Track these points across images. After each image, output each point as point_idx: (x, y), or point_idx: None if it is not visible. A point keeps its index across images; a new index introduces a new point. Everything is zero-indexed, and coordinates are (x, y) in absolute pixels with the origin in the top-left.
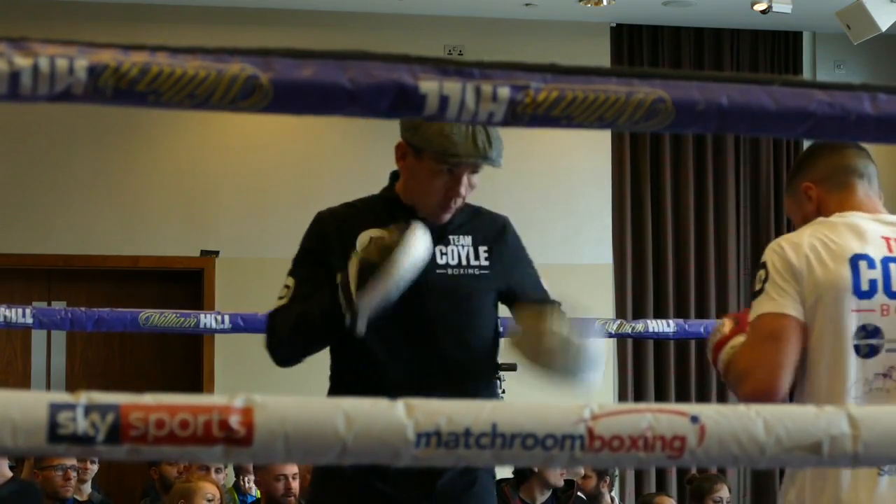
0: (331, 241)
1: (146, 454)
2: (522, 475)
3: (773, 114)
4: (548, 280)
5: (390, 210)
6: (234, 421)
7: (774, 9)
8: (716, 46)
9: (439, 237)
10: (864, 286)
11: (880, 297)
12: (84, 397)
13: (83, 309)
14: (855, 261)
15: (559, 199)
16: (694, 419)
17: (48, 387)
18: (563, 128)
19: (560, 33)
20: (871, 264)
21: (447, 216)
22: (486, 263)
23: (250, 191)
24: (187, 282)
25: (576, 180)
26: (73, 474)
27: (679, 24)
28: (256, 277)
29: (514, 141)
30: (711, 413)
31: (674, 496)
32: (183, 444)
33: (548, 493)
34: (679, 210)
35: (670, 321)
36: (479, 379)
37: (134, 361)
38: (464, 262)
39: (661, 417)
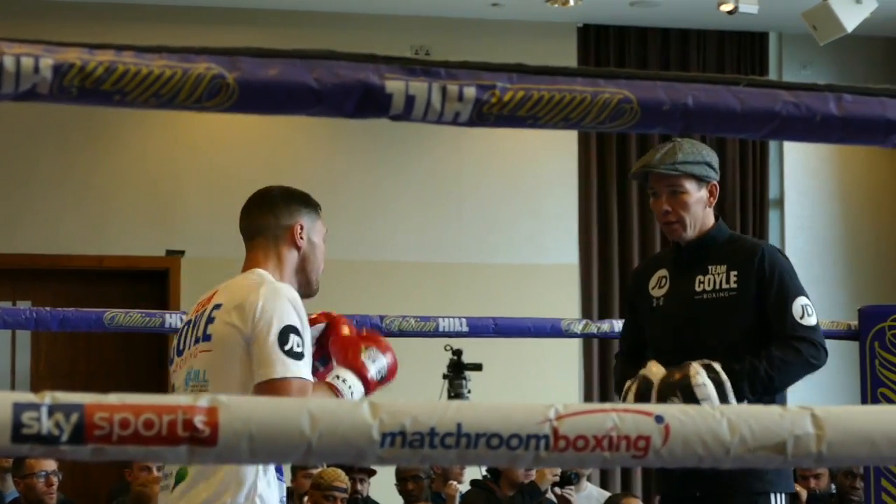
0: None
1: (111, 454)
2: (496, 471)
3: (738, 114)
4: (513, 280)
5: None
6: (199, 421)
7: (741, 9)
8: (682, 47)
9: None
10: None
11: None
12: (48, 397)
13: (48, 308)
14: None
15: (525, 199)
16: (658, 419)
17: (12, 386)
18: (528, 128)
19: (527, 33)
20: None
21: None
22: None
23: (216, 191)
24: (153, 282)
25: (542, 180)
26: (55, 480)
27: (646, 25)
28: (222, 277)
29: (480, 141)
30: (676, 413)
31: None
32: (147, 444)
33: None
34: (644, 210)
35: None
36: None
37: (99, 361)
38: (717, 287)
39: (626, 417)
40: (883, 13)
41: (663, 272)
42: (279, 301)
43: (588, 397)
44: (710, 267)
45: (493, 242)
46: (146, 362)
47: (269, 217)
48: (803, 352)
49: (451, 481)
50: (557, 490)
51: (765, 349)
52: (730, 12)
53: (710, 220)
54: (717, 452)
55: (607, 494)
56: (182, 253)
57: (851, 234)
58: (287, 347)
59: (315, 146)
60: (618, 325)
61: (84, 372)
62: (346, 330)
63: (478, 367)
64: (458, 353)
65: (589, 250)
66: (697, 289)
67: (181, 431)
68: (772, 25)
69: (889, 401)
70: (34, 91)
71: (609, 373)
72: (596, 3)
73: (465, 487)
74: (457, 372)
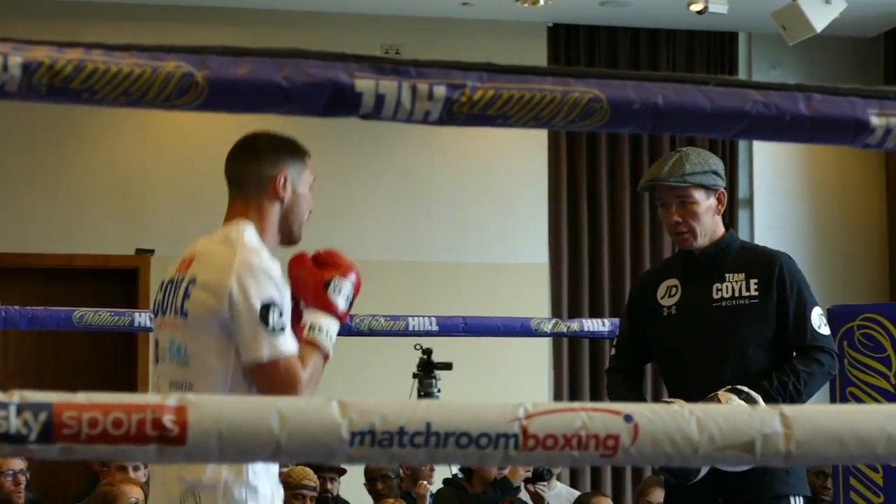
0: None
1: (79, 453)
2: (469, 470)
3: (708, 113)
4: (483, 279)
5: None
6: (168, 420)
7: (710, 9)
8: (652, 46)
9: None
10: None
11: None
12: (17, 396)
13: (17, 307)
14: None
15: (495, 198)
16: (628, 418)
17: None
18: (498, 127)
19: (497, 33)
20: None
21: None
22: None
23: (186, 190)
24: (122, 280)
25: (512, 179)
26: (23, 479)
27: (616, 25)
28: None
29: (450, 140)
30: (645, 412)
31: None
32: (116, 442)
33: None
34: (615, 209)
35: (605, 320)
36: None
37: (68, 360)
38: (736, 294)
39: (595, 416)
40: (852, 13)
41: (673, 281)
42: (254, 276)
43: (558, 396)
44: (727, 275)
45: (463, 241)
46: (116, 361)
47: (252, 165)
48: (825, 363)
49: (421, 481)
50: (531, 486)
51: (789, 363)
52: (699, 12)
53: (720, 227)
54: (686, 451)
55: (577, 493)
56: (152, 252)
57: (821, 234)
58: (270, 325)
59: None
60: (588, 324)
61: (53, 371)
62: (301, 269)
63: (448, 366)
64: (428, 352)
65: (559, 250)
66: (715, 296)
67: (150, 430)
68: (741, 25)
69: (858, 400)
70: (2, 89)
71: (579, 372)
72: (566, 2)
73: (436, 485)
74: (427, 371)
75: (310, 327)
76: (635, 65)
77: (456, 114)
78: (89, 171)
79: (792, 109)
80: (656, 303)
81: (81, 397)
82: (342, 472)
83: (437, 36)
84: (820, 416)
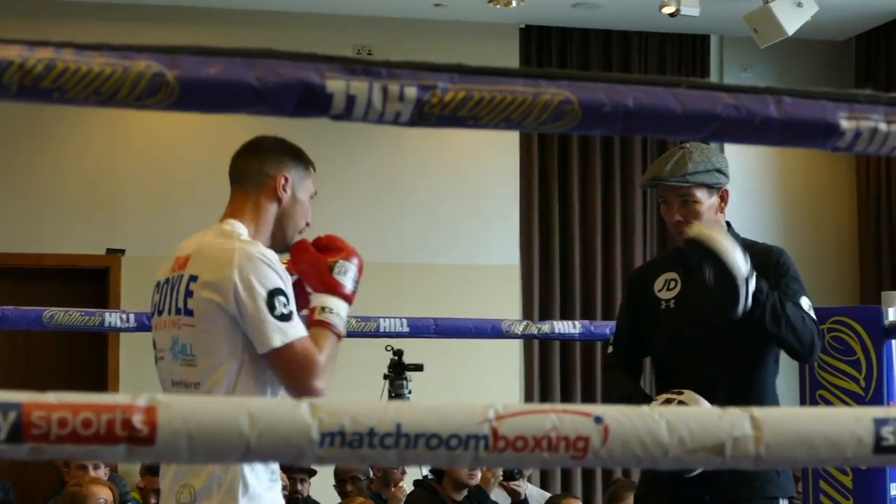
0: None
1: (48, 453)
2: (440, 472)
3: (679, 116)
4: (455, 281)
5: None
6: (138, 420)
7: (682, 12)
8: (624, 49)
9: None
10: None
11: None
12: None
13: None
14: None
15: (467, 199)
16: (598, 420)
17: None
18: (469, 128)
19: (470, 34)
20: None
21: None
22: None
23: (156, 189)
24: (92, 280)
25: (483, 181)
26: None
27: (588, 27)
28: None
29: (422, 141)
30: (615, 414)
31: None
32: (86, 443)
33: (464, 492)
34: (586, 211)
35: (576, 322)
36: (760, 384)
37: (38, 360)
38: None
39: (566, 418)
40: (823, 17)
41: (672, 275)
42: (255, 267)
43: (528, 398)
44: None
45: (435, 242)
46: (86, 361)
47: (254, 162)
48: (809, 326)
49: (401, 485)
50: (506, 483)
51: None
52: (671, 15)
53: (722, 224)
54: (656, 453)
55: (548, 495)
56: (122, 252)
57: (791, 237)
58: (277, 313)
59: None
60: (559, 326)
61: (23, 371)
62: (304, 253)
63: (419, 367)
64: (398, 353)
65: (530, 251)
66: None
67: (120, 431)
68: (713, 28)
69: (827, 403)
70: None
71: (550, 373)
72: (538, 4)
73: (406, 486)
74: (397, 372)
75: (320, 309)
76: (607, 67)
77: (427, 115)
78: (60, 171)
79: (762, 112)
80: (654, 296)
81: (51, 397)
82: (312, 473)
83: (409, 37)
84: (790, 419)
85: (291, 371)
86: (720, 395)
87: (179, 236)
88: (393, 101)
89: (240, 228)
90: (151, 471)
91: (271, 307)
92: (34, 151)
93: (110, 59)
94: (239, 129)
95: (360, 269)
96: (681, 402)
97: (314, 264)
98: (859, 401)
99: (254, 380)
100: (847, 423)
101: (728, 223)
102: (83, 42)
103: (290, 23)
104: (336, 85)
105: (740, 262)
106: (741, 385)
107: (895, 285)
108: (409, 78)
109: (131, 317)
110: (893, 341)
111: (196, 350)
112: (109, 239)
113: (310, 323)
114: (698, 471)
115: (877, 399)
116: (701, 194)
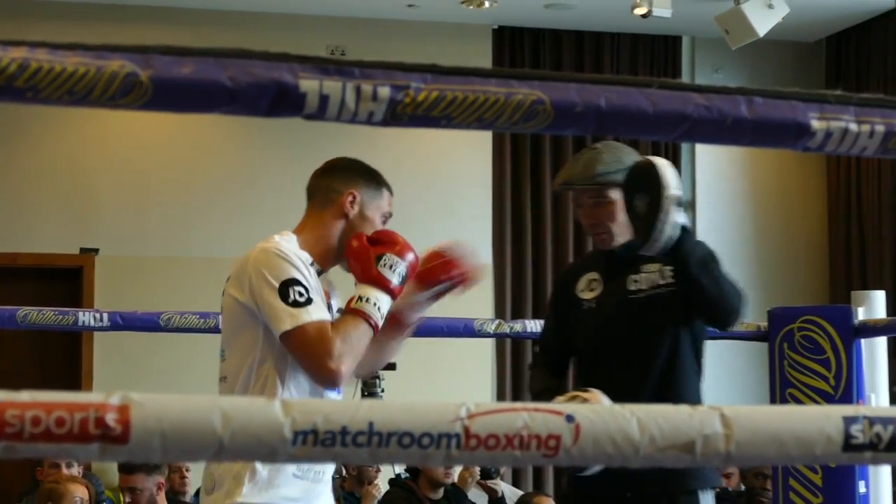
0: None
1: (22, 451)
2: (415, 471)
3: (650, 116)
4: None
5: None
6: (111, 418)
7: (654, 13)
8: (596, 50)
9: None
10: None
11: None
12: None
13: None
14: None
15: (440, 199)
16: (569, 418)
17: None
18: (442, 128)
19: (442, 35)
20: None
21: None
22: (671, 281)
23: (130, 189)
24: (66, 279)
25: (456, 181)
26: None
27: (560, 27)
28: (136, 276)
29: (395, 141)
30: (587, 412)
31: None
32: (59, 441)
33: (440, 490)
34: (558, 211)
35: None
36: (680, 383)
37: (11, 359)
38: (652, 285)
39: (537, 416)
40: (794, 18)
41: (594, 275)
42: (268, 259)
43: (500, 397)
44: (642, 266)
45: (408, 241)
46: (60, 360)
47: (325, 180)
48: (740, 295)
49: (374, 482)
50: (482, 482)
51: None
52: (643, 16)
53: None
54: (627, 451)
55: (520, 493)
56: (96, 251)
57: (762, 236)
58: (290, 300)
59: (230, 144)
60: (531, 325)
61: None
62: (355, 243)
63: (391, 366)
64: None
65: (502, 250)
66: (632, 288)
67: (93, 429)
68: (685, 29)
69: (797, 401)
70: None
71: (522, 372)
72: (511, 5)
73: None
74: None
75: (357, 298)
76: (580, 67)
77: (400, 115)
78: (34, 170)
79: (733, 112)
80: (576, 296)
81: (25, 396)
82: None
83: (382, 37)
84: (760, 417)
85: (307, 353)
86: (642, 395)
87: (153, 236)
88: (366, 101)
89: (286, 237)
90: (127, 469)
91: (284, 295)
92: (8, 151)
93: (84, 59)
94: (213, 128)
95: (412, 267)
96: (584, 402)
97: (360, 256)
98: (829, 399)
99: (275, 372)
100: (817, 421)
101: None
102: (57, 42)
103: (263, 23)
104: (309, 85)
105: (677, 189)
106: (661, 385)
107: (865, 285)
108: (382, 78)
109: (105, 316)
110: (863, 340)
111: (224, 345)
112: (83, 238)
113: (345, 311)
114: (594, 469)
115: (846, 398)
116: (613, 194)
